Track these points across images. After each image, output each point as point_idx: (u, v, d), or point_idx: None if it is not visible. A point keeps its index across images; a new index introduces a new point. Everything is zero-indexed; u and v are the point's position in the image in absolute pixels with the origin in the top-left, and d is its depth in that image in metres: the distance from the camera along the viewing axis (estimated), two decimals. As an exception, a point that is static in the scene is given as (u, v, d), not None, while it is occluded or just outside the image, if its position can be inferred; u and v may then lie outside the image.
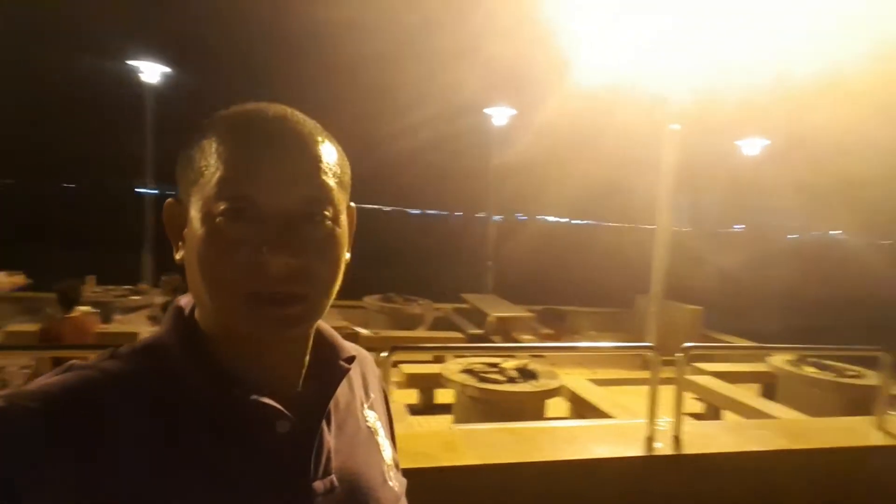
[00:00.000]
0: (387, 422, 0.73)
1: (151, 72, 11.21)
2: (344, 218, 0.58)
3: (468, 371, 4.92)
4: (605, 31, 6.58)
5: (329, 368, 0.62)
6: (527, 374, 4.94)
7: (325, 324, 0.64)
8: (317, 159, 0.54)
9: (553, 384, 4.84)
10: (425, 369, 5.78)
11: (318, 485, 0.55)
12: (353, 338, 6.47)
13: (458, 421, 4.75)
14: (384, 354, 2.66)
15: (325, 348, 0.63)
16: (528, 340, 8.42)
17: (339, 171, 0.57)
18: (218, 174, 0.50)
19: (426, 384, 5.71)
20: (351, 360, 0.64)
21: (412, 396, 5.76)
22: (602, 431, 3.43)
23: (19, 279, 8.10)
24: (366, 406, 0.69)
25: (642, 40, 6.38)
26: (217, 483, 0.49)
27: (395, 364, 6.14)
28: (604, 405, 4.84)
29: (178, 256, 0.55)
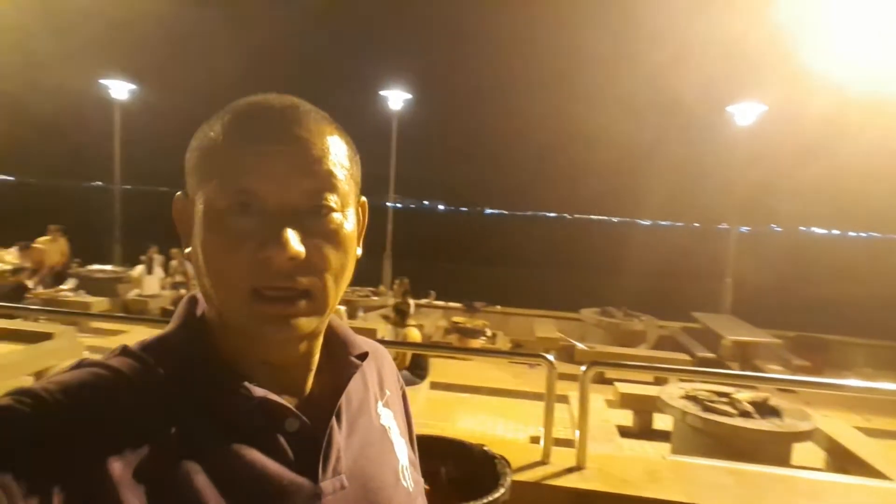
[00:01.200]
0: (404, 420, 0.70)
1: (396, 99, 12.77)
2: (353, 212, 0.56)
3: (691, 398, 4.40)
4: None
5: (340, 365, 0.60)
6: (766, 411, 4.21)
7: (336, 319, 0.62)
8: (323, 152, 0.52)
9: (803, 426, 4.04)
10: (642, 390, 5.36)
11: (327, 484, 0.53)
12: (569, 351, 6.35)
13: (676, 452, 4.28)
14: (583, 368, 2.53)
15: (336, 344, 0.61)
16: (774, 372, 7.19)
17: (347, 164, 0.54)
18: (222, 168, 0.50)
19: (643, 406, 5.28)
20: (364, 356, 0.62)
21: (626, 418, 5.38)
22: (867, 494, 2.71)
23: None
24: (380, 403, 0.66)
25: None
26: (224, 482, 0.48)
27: (610, 381, 5.84)
28: (876, 461, 3.85)
29: (187, 251, 0.55)
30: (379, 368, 0.69)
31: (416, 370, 5.50)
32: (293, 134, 0.51)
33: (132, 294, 9.00)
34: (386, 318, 7.96)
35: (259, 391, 0.51)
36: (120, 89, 13.45)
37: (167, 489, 0.46)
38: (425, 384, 5.72)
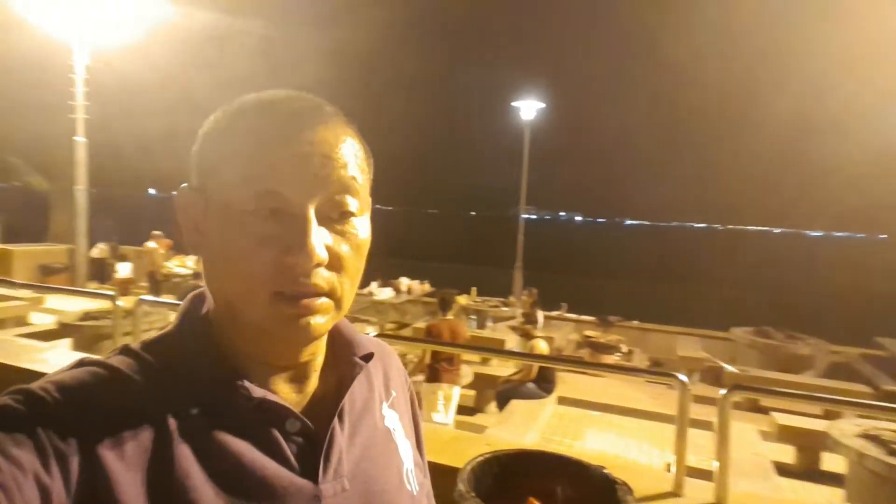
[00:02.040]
0: (410, 422, 0.68)
1: (528, 109, 12.70)
2: (368, 216, 0.56)
3: (871, 437, 3.71)
4: None
5: (344, 366, 0.59)
6: (978, 461, 3.40)
7: (343, 319, 0.60)
8: (348, 156, 0.51)
9: None
10: (807, 423, 4.66)
11: (328, 486, 0.52)
12: (716, 373, 5.74)
13: (852, 500, 3.63)
14: (723, 392, 2.23)
15: (341, 345, 0.60)
16: None
17: (366, 168, 0.54)
18: (246, 167, 0.48)
19: (807, 442, 4.60)
20: (368, 357, 0.60)
21: (787, 454, 4.71)
22: None
23: (426, 287, 10.28)
24: (386, 404, 0.64)
25: None
26: (223, 482, 0.47)
27: (766, 411, 5.18)
28: None
29: (190, 248, 0.54)
30: (385, 369, 0.68)
31: (542, 383, 5.33)
32: (321, 137, 0.50)
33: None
34: (514, 329, 7.87)
35: (259, 391, 0.51)
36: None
37: (164, 488, 0.45)
38: (552, 398, 5.52)
